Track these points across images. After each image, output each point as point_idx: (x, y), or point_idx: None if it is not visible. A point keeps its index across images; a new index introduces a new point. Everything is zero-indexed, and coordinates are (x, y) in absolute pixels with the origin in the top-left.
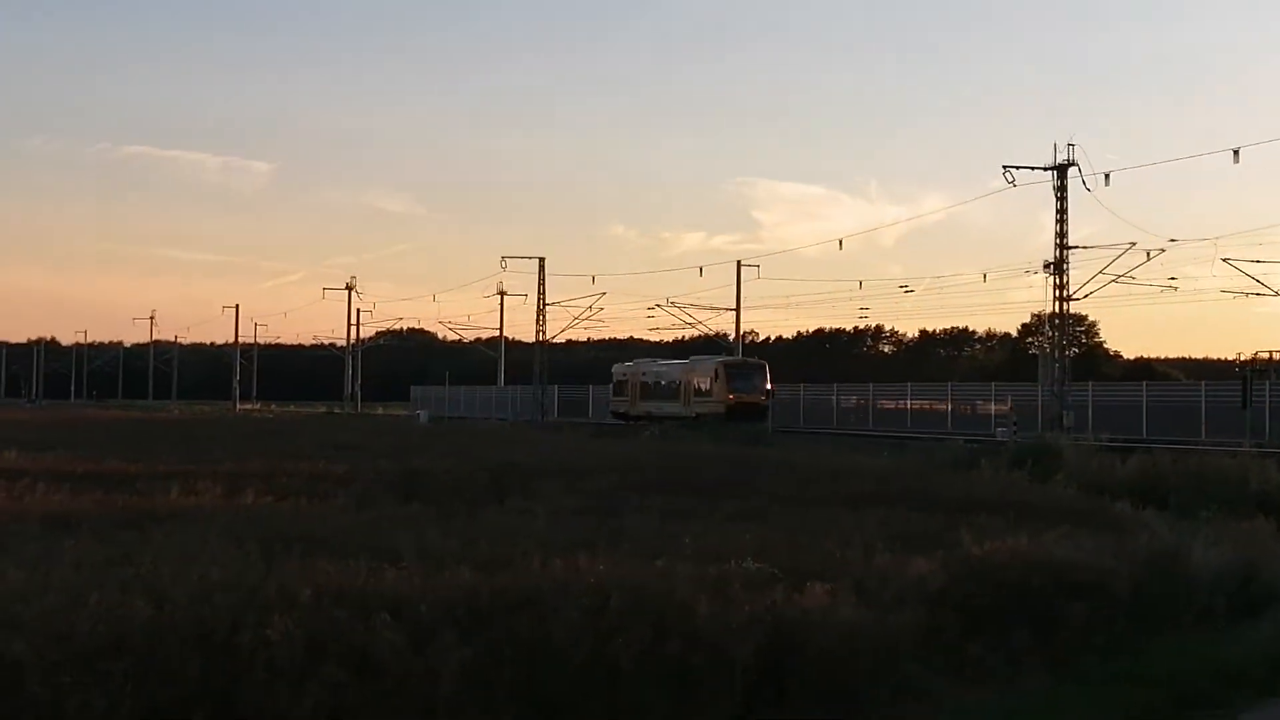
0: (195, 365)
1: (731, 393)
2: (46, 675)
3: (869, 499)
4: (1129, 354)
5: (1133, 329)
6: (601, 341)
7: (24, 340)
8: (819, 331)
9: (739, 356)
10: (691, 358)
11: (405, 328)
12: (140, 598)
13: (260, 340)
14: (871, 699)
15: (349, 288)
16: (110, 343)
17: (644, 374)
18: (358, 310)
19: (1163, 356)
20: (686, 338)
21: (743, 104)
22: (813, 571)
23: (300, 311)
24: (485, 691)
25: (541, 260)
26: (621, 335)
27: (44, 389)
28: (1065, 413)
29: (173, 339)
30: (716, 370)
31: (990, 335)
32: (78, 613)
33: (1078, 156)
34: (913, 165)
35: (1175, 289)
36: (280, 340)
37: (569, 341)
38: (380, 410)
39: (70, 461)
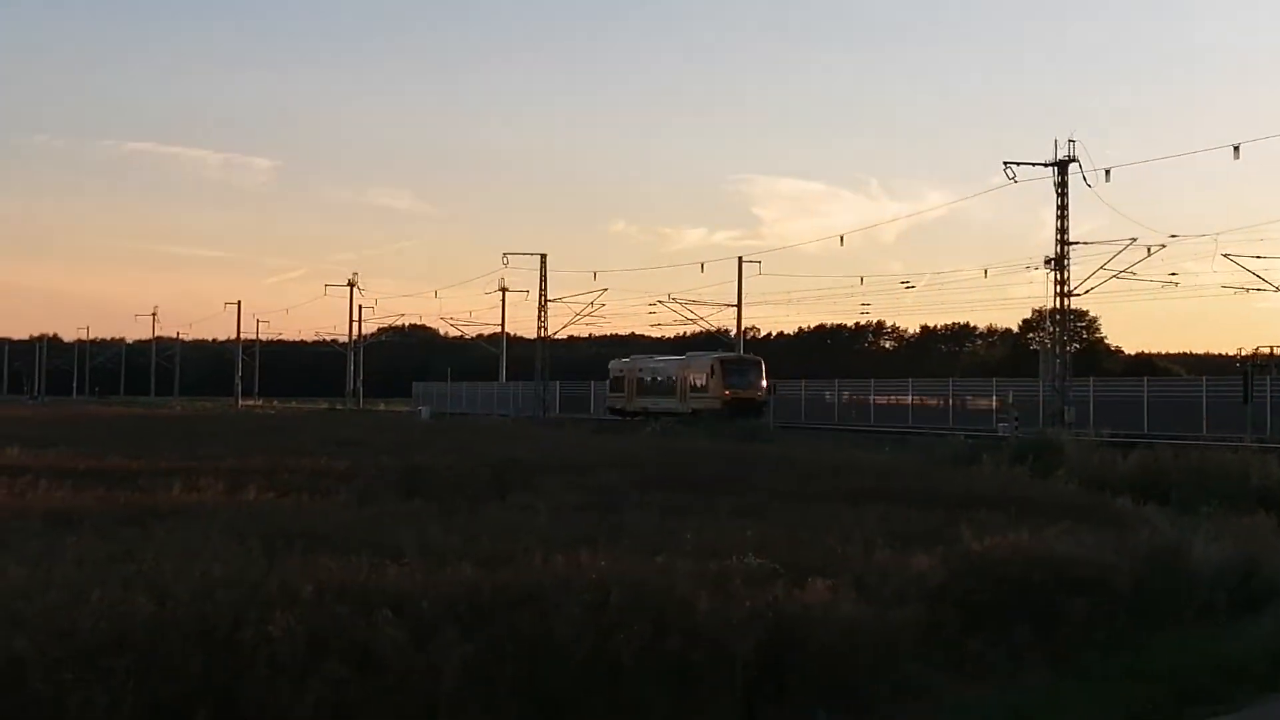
0: (197, 362)
1: (728, 389)
2: (49, 672)
3: (870, 494)
4: (1130, 349)
5: (1134, 324)
6: (603, 338)
7: (26, 337)
8: (820, 327)
9: (737, 352)
10: (688, 354)
11: (407, 324)
12: (142, 594)
13: (262, 337)
14: (872, 695)
15: (351, 284)
16: (112, 339)
17: (641, 370)
18: (359, 306)
19: (1164, 352)
20: (688, 334)
21: (743, 100)
22: (813, 567)
23: (302, 308)
24: (487, 687)
25: (543, 256)
26: (623, 331)
27: (46, 386)
28: (1066, 408)
29: (175, 335)
30: (713, 366)
31: (991, 331)
32: (80, 609)
33: (1078, 152)
34: (913, 161)
35: (1176, 284)
36: (282, 337)
37: (570, 338)
38: (382, 406)
39: (72, 458)
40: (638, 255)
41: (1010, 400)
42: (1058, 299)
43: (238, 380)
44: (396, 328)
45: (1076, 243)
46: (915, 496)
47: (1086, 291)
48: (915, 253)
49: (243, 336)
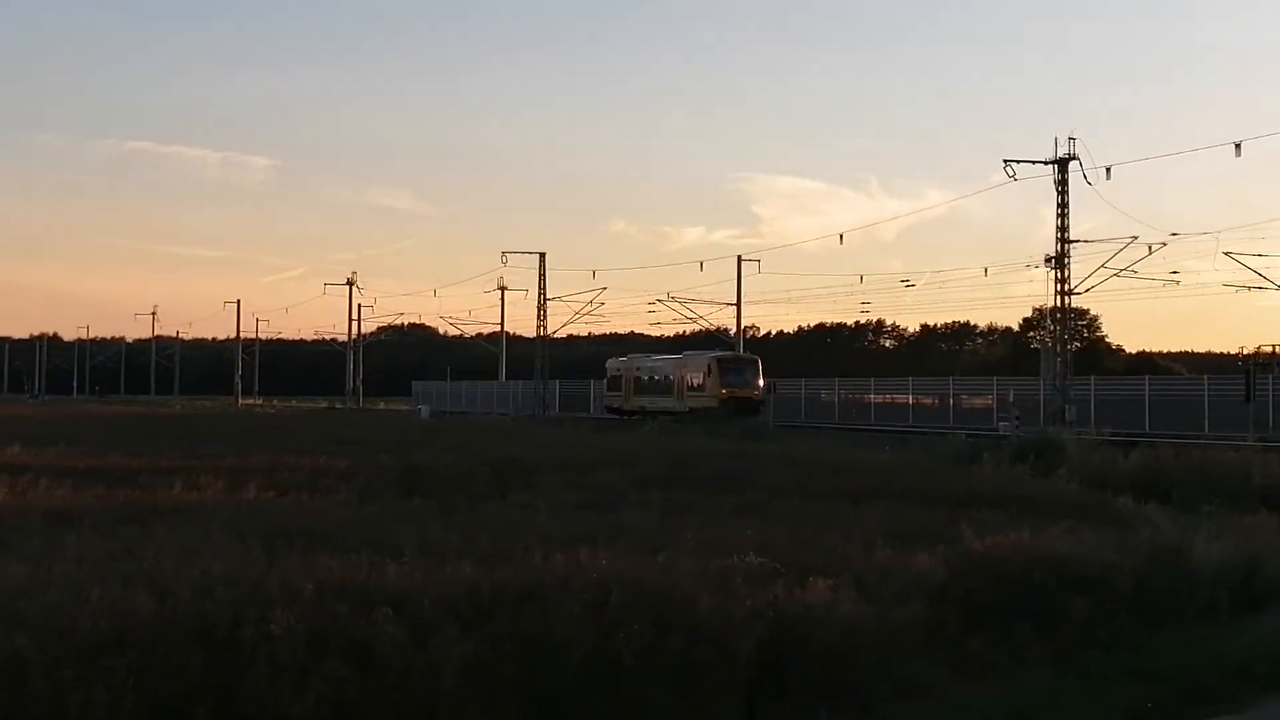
0: (197, 361)
1: (725, 388)
2: (49, 670)
3: (870, 494)
4: (1131, 348)
5: (1134, 323)
6: (602, 337)
7: (26, 336)
8: (820, 326)
9: (735, 351)
10: (685, 353)
11: (406, 323)
12: (142, 593)
13: (262, 336)
14: (873, 694)
15: (350, 283)
16: (112, 338)
17: (638, 369)
18: (359, 305)
19: (1165, 350)
20: (687, 333)
21: (743, 100)
22: (814, 566)
23: (302, 307)
24: (487, 686)
25: (542, 255)
26: (622, 330)
27: (46, 385)
28: (1067, 407)
29: (175, 334)
30: (710, 365)
31: (992, 330)
32: (80, 608)
33: (1079, 150)
34: (913, 160)
35: (1177, 283)
36: (282, 336)
37: (570, 337)
38: (382, 405)
39: (72, 457)
40: (637, 254)
41: (1011, 399)
42: (1058, 297)
43: (237, 379)
44: (396, 327)
45: (1077, 241)
46: (916, 495)
47: (1087, 290)
48: (915, 251)
49: (242, 335)
